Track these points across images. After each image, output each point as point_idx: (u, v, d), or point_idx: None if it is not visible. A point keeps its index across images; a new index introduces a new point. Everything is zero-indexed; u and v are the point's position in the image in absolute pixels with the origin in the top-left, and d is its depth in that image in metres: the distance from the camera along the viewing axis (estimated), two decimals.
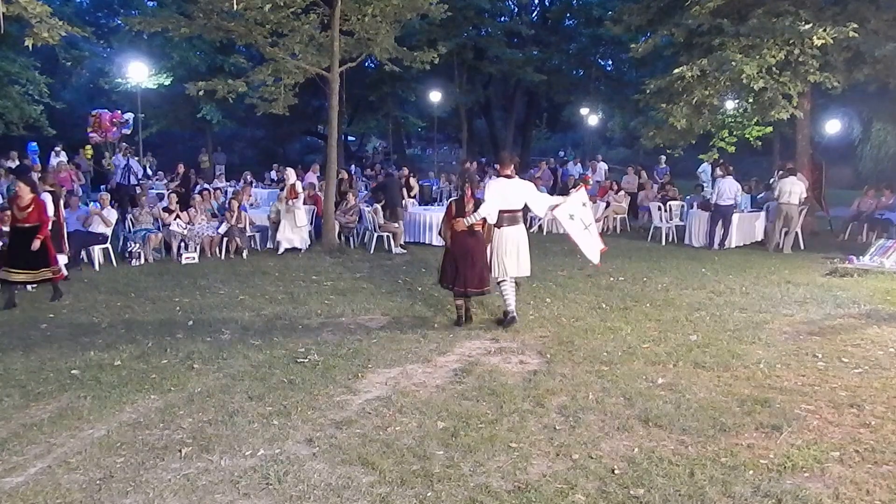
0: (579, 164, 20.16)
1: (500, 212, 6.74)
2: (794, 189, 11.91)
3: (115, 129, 18.01)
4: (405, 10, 11.81)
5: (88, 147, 19.06)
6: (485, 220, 6.70)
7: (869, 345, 6.26)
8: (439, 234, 7.99)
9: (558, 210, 7.09)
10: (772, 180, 15.08)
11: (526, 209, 7.09)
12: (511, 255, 6.82)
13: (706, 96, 12.40)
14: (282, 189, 12.41)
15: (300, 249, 11.61)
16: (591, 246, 7.25)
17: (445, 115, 29.84)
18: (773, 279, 9.39)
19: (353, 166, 22.50)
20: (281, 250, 11.44)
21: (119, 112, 18.64)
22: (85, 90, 27.72)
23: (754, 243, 12.69)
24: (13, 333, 6.68)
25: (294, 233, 11.64)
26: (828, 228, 14.43)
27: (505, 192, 6.78)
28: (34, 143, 17.92)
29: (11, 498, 3.59)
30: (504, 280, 6.87)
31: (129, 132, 18.27)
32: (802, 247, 12.24)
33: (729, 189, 12.35)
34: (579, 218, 7.07)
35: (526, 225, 7.29)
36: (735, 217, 12.50)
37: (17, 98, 18.46)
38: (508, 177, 6.89)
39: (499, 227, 6.82)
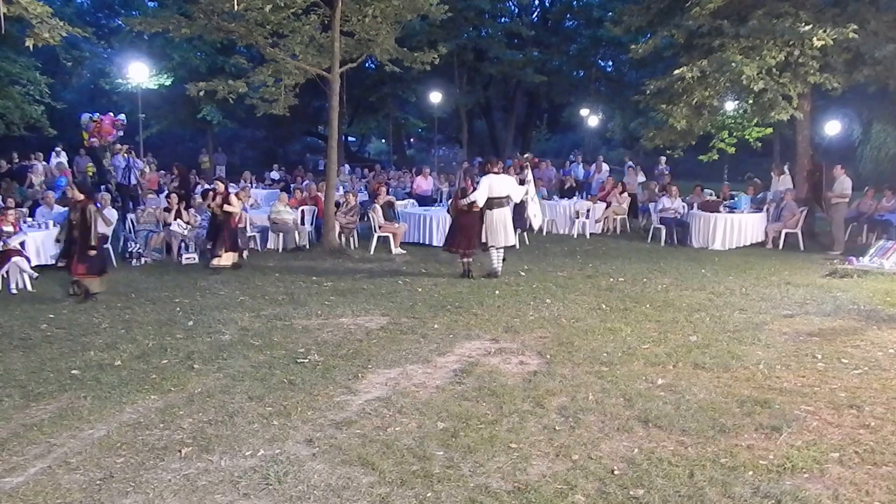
0: (581, 165, 20.13)
1: (489, 198, 9.15)
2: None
3: (115, 131, 18.04)
4: (405, 11, 11.81)
5: (90, 166, 19.04)
6: (475, 202, 9.15)
7: (868, 346, 6.26)
8: (448, 211, 10.41)
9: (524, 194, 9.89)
10: (772, 181, 15.07)
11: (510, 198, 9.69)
12: (499, 230, 9.25)
13: (706, 97, 12.40)
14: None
15: None
16: (538, 212, 10.36)
17: (446, 116, 29.82)
18: (772, 280, 9.39)
19: (345, 165, 22.43)
20: None
21: (112, 114, 18.66)
22: (86, 91, 27.73)
23: (754, 244, 12.68)
24: (13, 333, 6.69)
25: None
26: (828, 230, 14.42)
27: (492, 184, 9.19)
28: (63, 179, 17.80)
29: (11, 498, 3.59)
30: (493, 247, 9.34)
31: (121, 134, 18.30)
32: (802, 248, 12.25)
33: None
34: (531, 195, 10.07)
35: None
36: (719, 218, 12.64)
37: (17, 98, 18.45)
38: (496, 173, 9.35)
39: (489, 209, 9.20)
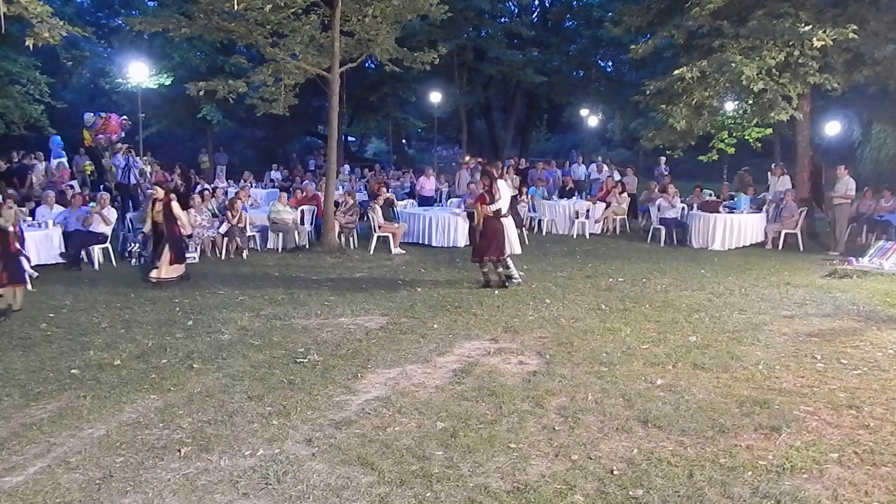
0: (583, 165, 20.15)
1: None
2: None
3: (120, 130, 18.08)
4: (405, 11, 11.82)
5: (89, 164, 19.04)
6: (500, 209, 8.83)
7: (868, 346, 6.27)
8: (472, 222, 9.68)
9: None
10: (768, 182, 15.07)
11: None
12: (513, 236, 9.03)
13: (706, 97, 12.41)
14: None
15: None
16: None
17: (445, 116, 29.83)
18: (772, 281, 9.39)
19: (345, 165, 22.40)
20: None
21: (115, 114, 18.68)
22: (86, 90, 27.72)
23: (754, 244, 12.68)
24: (13, 333, 6.69)
25: None
26: (827, 230, 14.43)
27: (506, 189, 9.08)
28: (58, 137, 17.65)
29: (11, 497, 3.59)
30: (509, 254, 9.02)
31: (123, 134, 18.32)
32: (801, 248, 12.26)
33: None
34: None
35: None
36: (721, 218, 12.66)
37: (17, 98, 18.44)
38: (501, 178, 9.44)
39: (505, 217, 8.91)
